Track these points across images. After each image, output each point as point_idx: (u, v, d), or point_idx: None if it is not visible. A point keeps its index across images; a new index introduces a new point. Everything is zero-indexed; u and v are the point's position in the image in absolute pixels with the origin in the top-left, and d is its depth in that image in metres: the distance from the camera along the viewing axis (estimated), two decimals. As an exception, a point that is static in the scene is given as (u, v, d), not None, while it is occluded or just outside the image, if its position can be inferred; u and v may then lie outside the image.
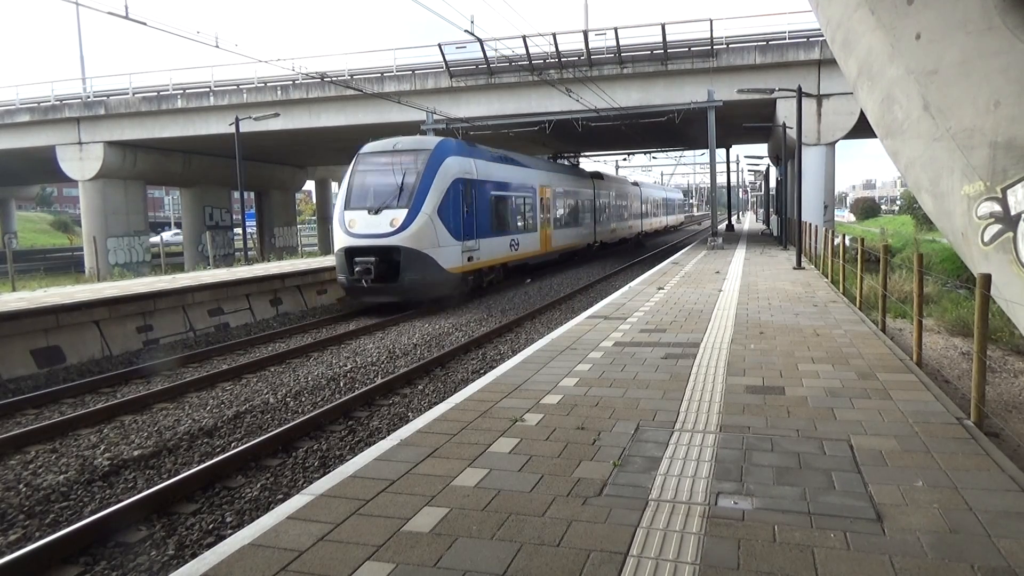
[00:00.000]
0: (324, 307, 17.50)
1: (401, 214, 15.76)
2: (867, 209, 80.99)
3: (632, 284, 14.70)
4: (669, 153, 52.29)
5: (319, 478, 4.63)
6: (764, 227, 46.68)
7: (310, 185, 55.92)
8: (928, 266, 18.78)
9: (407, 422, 6.78)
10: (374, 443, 6.00)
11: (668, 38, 24.00)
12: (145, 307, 12.95)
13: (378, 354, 11.56)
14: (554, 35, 24.47)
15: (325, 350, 12.10)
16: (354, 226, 15.97)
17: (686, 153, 57.16)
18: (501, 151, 21.63)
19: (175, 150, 34.07)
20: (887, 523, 3.50)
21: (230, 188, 40.26)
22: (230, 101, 28.74)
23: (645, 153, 47.69)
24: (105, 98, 30.70)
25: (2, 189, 54.40)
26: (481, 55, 25.22)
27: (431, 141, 17.48)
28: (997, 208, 5.48)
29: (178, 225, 52.54)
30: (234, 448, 7.01)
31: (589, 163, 53.14)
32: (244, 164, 25.17)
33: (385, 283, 15.64)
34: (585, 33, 25.15)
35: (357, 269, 15.53)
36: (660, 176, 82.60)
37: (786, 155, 27.81)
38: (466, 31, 19.52)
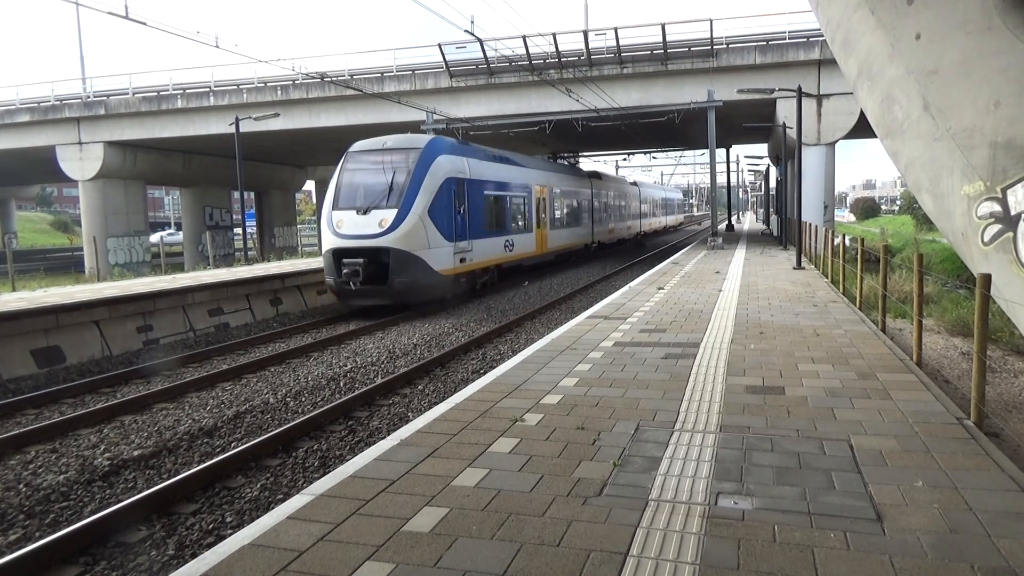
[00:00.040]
0: (324, 307, 17.49)
1: (390, 214, 15.41)
2: (867, 209, 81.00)
3: (632, 284, 14.70)
4: (669, 153, 52.28)
5: (319, 478, 4.63)
6: (764, 227, 46.68)
7: (310, 185, 55.97)
8: (928, 266, 18.78)
9: (407, 422, 6.78)
10: (374, 443, 6.00)
11: (668, 38, 24.01)
12: (145, 307, 12.95)
13: (378, 354, 11.56)
14: (554, 35, 24.49)
15: (325, 350, 12.11)
16: (342, 227, 15.57)
17: (686, 153, 57.16)
18: (495, 150, 21.39)
19: (175, 150, 34.07)
20: (887, 523, 3.50)
21: (230, 188, 40.27)
22: (230, 101, 28.75)
23: (645, 153, 47.71)
24: (105, 98, 30.71)
25: (2, 189, 54.41)
26: (481, 55, 25.22)
27: (422, 139, 17.08)
28: (997, 208, 5.48)
29: (178, 225, 52.55)
30: (234, 448, 7.01)
31: (589, 163, 53.21)
32: (244, 164, 25.17)
33: (374, 285, 15.26)
34: (585, 33, 25.16)
35: (345, 271, 15.12)
36: (660, 176, 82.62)
37: (786, 155, 27.81)
38: (466, 31, 19.54)
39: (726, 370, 6.80)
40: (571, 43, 26.55)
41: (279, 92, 28.14)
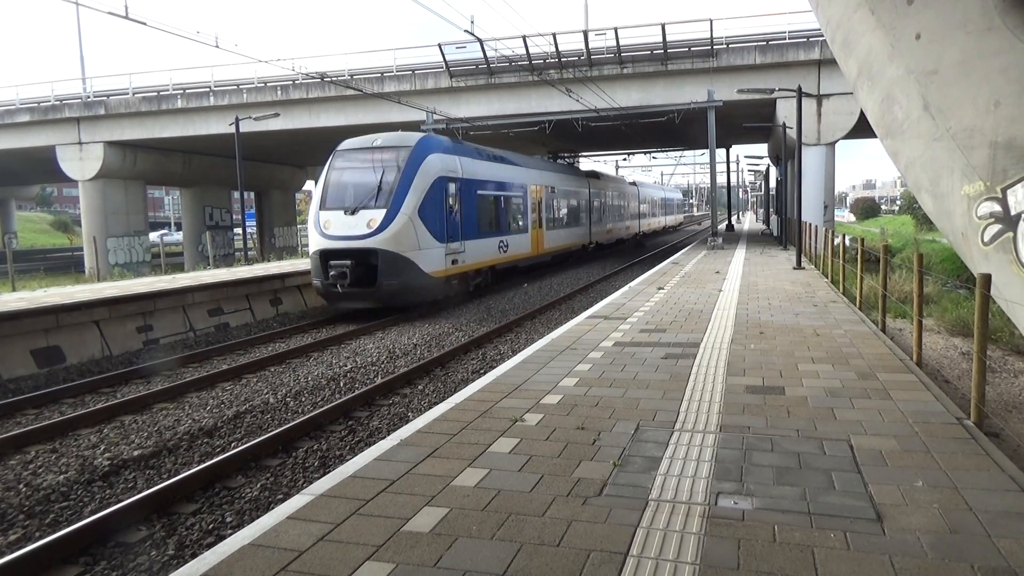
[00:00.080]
0: (324, 307, 17.47)
1: (379, 215, 14.95)
2: (867, 209, 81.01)
3: (632, 284, 14.70)
4: (669, 153, 52.29)
5: (319, 478, 4.63)
6: (764, 227, 46.68)
7: (310, 185, 55.87)
8: (928, 266, 18.79)
9: (407, 422, 6.78)
10: (374, 443, 6.01)
11: (668, 38, 24.01)
12: (145, 307, 12.95)
13: (378, 354, 11.56)
14: (554, 35, 24.49)
15: (325, 350, 12.11)
16: (329, 227, 15.14)
17: (686, 153, 57.13)
18: (490, 149, 21.01)
19: (175, 150, 34.08)
20: (887, 523, 3.50)
21: (230, 188, 40.29)
22: (230, 101, 28.75)
23: (645, 153, 47.73)
24: (105, 98, 30.71)
25: (2, 189, 54.42)
26: (481, 55, 25.22)
27: (412, 137, 16.49)
28: (997, 208, 5.48)
29: (178, 225, 52.57)
30: (234, 448, 7.01)
31: (589, 163, 53.25)
32: (244, 164, 25.17)
33: (362, 288, 14.82)
34: (585, 33, 25.16)
35: (332, 273, 14.70)
36: (660, 176, 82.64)
37: (786, 155, 27.81)
38: (466, 31, 19.51)
39: (726, 370, 6.80)
40: (571, 43, 26.60)
41: (279, 92, 28.14)
